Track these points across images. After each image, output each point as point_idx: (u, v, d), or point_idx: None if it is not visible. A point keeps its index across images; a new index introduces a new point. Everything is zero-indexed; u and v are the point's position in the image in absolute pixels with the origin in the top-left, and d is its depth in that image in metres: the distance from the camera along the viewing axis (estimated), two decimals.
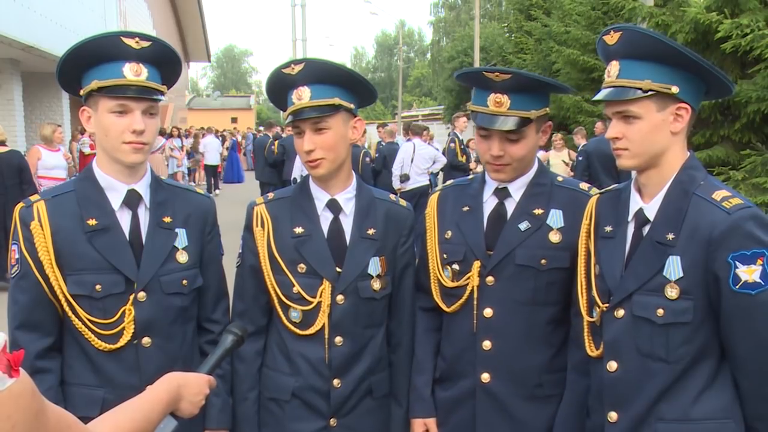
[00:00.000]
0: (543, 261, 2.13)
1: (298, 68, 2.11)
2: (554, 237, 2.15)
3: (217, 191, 18.63)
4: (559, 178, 2.28)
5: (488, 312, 2.16)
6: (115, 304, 1.97)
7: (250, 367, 2.22)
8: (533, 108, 2.11)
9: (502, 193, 2.22)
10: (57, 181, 8.73)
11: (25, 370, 2.08)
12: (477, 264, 2.16)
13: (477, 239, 2.19)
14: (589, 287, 2.00)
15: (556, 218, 2.16)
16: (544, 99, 2.17)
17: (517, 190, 2.21)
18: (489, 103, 2.11)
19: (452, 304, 2.22)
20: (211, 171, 20.03)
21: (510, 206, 2.21)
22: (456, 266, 2.21)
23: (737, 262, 1.72)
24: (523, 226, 2.16)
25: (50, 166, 9.18)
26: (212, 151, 20.06)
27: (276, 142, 12.11)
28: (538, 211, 2.17)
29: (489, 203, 2.23)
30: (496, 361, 2.16)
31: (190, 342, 2.13)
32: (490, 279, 2.16)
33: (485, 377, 2.17)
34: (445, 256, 2.24)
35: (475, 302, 2.17)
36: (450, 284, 2.22)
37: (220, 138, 23.30)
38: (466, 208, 2.25)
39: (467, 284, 2.18)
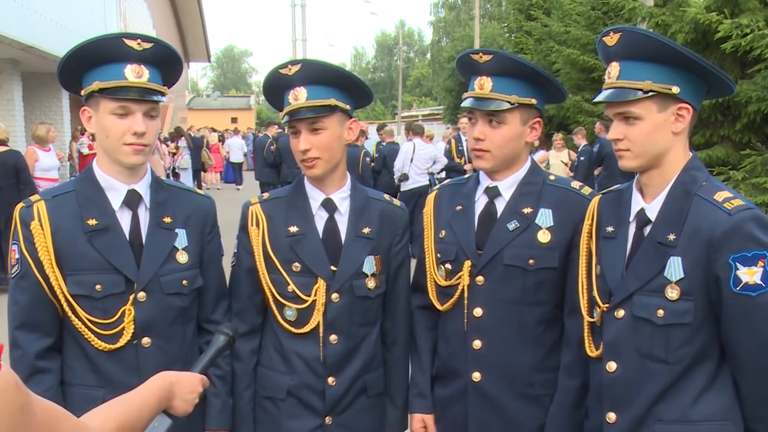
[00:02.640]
0: (531, 261, 2.13)
1: (295, 69, 2.13)
2: (543, 237, 2.14)
3: (239, 187, 21.01)
4: (551, 177, 2.27)
5: (478, 312, 2.17)
6: (114, 304, 1.97)
7: (245, 366, 2.23)
8: (515, 93, 2.12)
9: (492, 192, 2.22)
10: (52, 182, 8.68)
11: (25, 370, 2.05)
12: (468, 263, 2.17)
13: (468, 238, 2.20)
14: (589, 287, 2.00)
15: (545, 217, 2.16)
16: (530, 88, 2.15)
17: (507, 188, 2.21)
18: (475, 86, 2.16)
19: (445, 303, 2.24)
20: (237, 167, 22.51)
21: (500, 205, 2.21)
22: (449, 265, 2.22)
23: (738, 264, 1.72)
24: (512, 225, 2.16)
25: (47, 167, 9.11)
26: (236, 150, 22.66)
27: (275, 143, 12.09)
28: (527, 211, 2.17)
29: (480, 202, 2.24)
30: (486, 360, 2.17)
31: (189, 342, 2.13)
32: (479, 279, 2.17)
33: (476, 376, 2.18)
34: (439, 255, 2.26)
35: (465, 302, 2.18)
36: (443, 283, 2.24)
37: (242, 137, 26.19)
38: (458, 208, 2.26)
39: (459, 283, 2.19)
